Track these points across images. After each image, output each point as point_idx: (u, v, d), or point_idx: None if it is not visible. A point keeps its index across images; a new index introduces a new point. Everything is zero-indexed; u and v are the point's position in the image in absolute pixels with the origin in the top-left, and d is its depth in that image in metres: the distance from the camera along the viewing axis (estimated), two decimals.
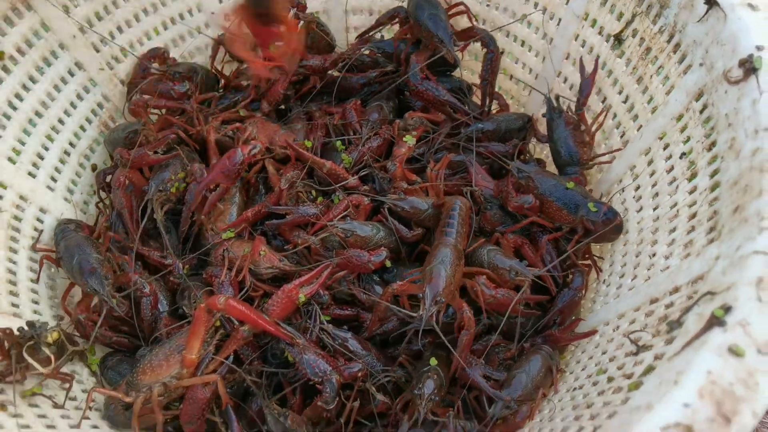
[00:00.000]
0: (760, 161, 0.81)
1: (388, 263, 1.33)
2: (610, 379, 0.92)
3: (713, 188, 0.95)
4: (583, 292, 1.26)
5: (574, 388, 1.04)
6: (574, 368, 1.13)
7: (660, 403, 0.66)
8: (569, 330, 1.20)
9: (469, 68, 1.68)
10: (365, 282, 1.33)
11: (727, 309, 0.72)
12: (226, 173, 1.31)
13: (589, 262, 1.31)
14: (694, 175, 1.03)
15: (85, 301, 1.27)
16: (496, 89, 1.63)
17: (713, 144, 0.98)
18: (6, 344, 0.97)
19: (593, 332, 1.15)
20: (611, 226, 1.22)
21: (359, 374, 1.18)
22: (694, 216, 0.99)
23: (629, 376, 0.86)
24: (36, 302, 1.22)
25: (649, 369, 0.81)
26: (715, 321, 0.72)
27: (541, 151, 1.62)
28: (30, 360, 0.95)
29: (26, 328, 1.00)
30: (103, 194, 1.47)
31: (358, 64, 1.60)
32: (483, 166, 1.46)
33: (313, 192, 1.42)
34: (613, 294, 1.17)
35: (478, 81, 1.55)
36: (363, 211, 1.38)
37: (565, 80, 1.47)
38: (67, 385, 1.08)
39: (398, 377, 1.22)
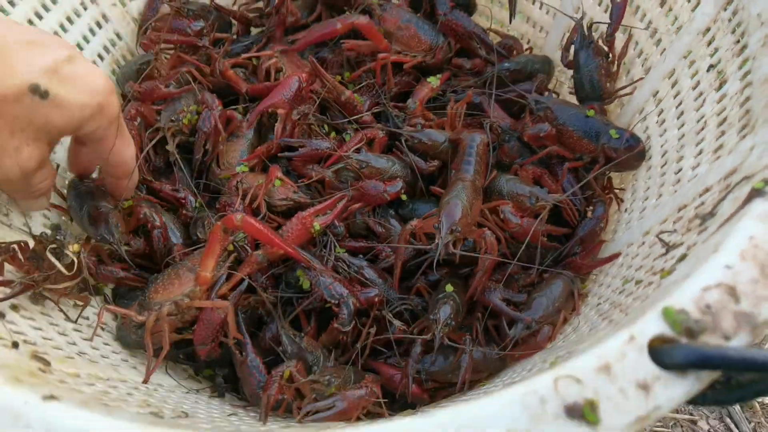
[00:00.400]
0: None
1: (404, 197, 1.31)
2: (638, 282, 0.89)
3: (744, 89, 0.92)
4: (605, 222, 1.23)
5: (598, 304, 1.01)
6: (597, 290, 1.10)
7: (699, 269, 0.63)
8: (591, 255, 1.17)
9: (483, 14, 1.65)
10: (381, 215, 1.31)
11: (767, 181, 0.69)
12: (288, 98, 1.30)
13: (610, 195, 1.28)
14: (723, 83, 1.00)
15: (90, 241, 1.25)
16: (512, 33, 1.61)
17: (744, 47, 0.95)
18: (21, 256, 0.94)
19: (616, 255, 1.12)
20: (634, 152, 1.19)
21: (376, 300, 1.15)
22: (723, 121, 0.95)
23: (659, 272, 0.82)
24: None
25: (683, 257, 0.78)
26: (755, 193, 0.69)
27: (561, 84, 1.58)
28: (53, 260, 0.92)
29: (48, 231, 0.97)
30: None
31: None
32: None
33: (326, 126, 1.39)
34: (637, 217, 1.14)
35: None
36: (377, 145, 1.36)
37: (583, 16, 1.44)
38: (81, 304, 1.05)
39: (415, 305, 1.20)
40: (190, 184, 1.33)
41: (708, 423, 1.65)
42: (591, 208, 1.26)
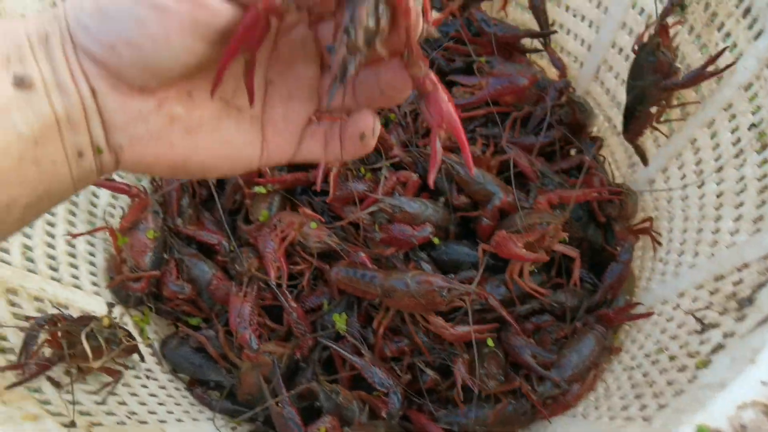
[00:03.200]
0: None
1: (436, 240, 1.32)
2: (672, 358, 0.89)
3: None
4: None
5: (632, 368, 1.01)
6: (630, 347, 1.10)
7: (735, 381, 0.63)
8: (625, 312, 1.16)
9: None
10: (413, 259, 1.32)
11: None
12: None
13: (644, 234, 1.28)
14: (764, 147, 0.97)
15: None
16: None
17: None
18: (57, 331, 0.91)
19: (649, 314, 1.11)
20: None
21: (406, 349, 1.18)
22: (765, 189, 0.94)
23: (694, 355, 0.82)
24: (94, 274, 1.25)
25: (719, 347, 0.77)
26: None
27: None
28: (86, 345, 0.90)
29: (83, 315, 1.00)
30: None
31: None
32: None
33: (362, 169, 1.41)
34: (671, 272, 1.13)
35: None
36: (411, 187, 1.37)
37: (620, 51, 1.41)
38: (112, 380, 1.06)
39: (447, 355, 1.22)
40: (225, 227, 1.36)
41: None
42: (618, 248, 1.26)
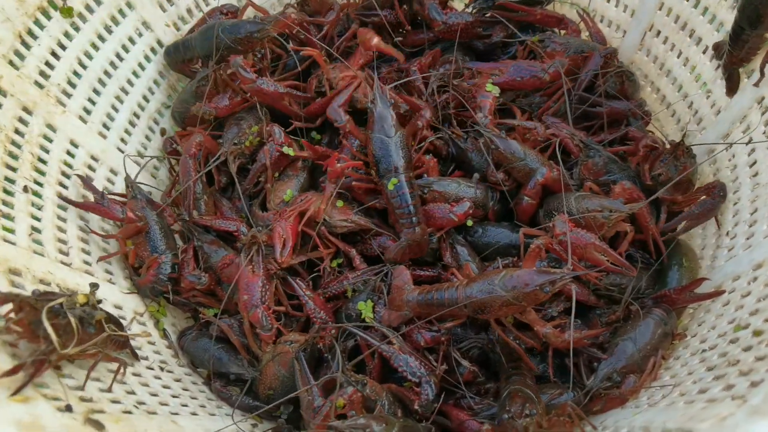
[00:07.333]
0: None
1: (470, 222, 1.21)
2: (757, 333, 0.75)
3: None
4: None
5: (703, 350, 0.88)
6: (698, 330, 0.97)
7: None
8: (688, 291, 1.03)
9: None
10: (449, 242, 1.21)
11: None
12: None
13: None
14: None
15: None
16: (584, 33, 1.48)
17: None
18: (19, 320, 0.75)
19: (719, 292, 0.98)
20: None
21: (442, 339, 1.07)
22: None
23: None
24: (109, 262, 1.18)
25: None
26: None
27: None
28: (45, 322, 0.73)
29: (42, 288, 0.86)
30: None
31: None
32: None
33: None
34: (742, 245, 1.00)
35: None
36: (432, 171, 1.26)
37: (669, 12, 1.29)
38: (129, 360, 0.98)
39: (485, 344, 1.10)
40: (246, 209, 1.28)
41: None
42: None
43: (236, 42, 1.28)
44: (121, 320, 1.05)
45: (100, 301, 0.89)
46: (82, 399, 0.78)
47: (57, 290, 0.98)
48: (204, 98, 1.34)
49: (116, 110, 1.32)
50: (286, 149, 1.26)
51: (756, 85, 1.02)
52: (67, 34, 1.19)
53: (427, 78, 1.37)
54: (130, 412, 0.83)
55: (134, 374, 0.97)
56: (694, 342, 0.95)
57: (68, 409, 0.71)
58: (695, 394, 0.74)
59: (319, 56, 1.31)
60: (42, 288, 0.94)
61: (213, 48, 1.28)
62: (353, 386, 0.97)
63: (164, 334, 1.18)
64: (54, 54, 1.17)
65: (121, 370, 0.90)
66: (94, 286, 0.84)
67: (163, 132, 1.45)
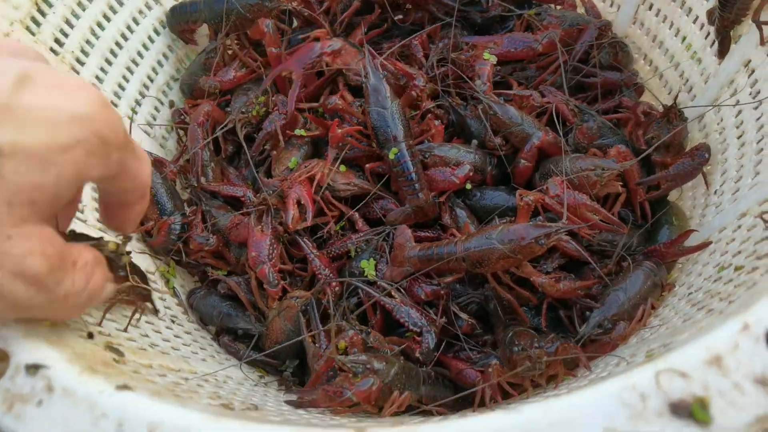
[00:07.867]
0: None
1: (468, 185, 1.26)
2: (738, 269, 0.80)
3: None
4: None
5: (689, 294, 0.92)
6: (686, 280, 1.01)
7: None
8: (678, 243, 1.07)
9: None
10: (449, 205, 1.26)
11: None
12: (300, 61, 1.28)
13: None
14: None
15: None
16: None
17: None
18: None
19: (707, 243, 1.02)
20: None
21: (442, 293, 1.11)
22: None
23: (765, 256, 0.74)
24: None
25: None
26: None
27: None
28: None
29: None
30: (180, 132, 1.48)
31: None
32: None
33: None
34: (729, 199, 1.04)
35: None
36: (437, 135, 1.31)
37: None
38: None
39: (482, 299, 1.15)
40: (255, 174, 1.33)
41: None
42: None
43: (247, 9, 1.32)
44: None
45: (129, 252, 0.94)
46: (101, 333, 0.82)
47: None
48: (212, 71, 1.39)
49: (127, 81, 1.36)
50: (298, 131, 1.31)
51: (762, 44, 1.06)
52: (80, 4, 1.24)
53: (427, 51, 1.42)
54: (144, 350, 0.88)
55: (147, 322, 1.02)
56: (682, 290, 0.99)
57: (90, 336, 0.75)
58: (680, 324, 0.79)
59: (324, 37, 1.36)
60: None
61: (223, 13, 1.32)
62: (355, 330, 1.02)
63: (174, 293, 1.23)
64: (68, 22, 1.22)
65: (136, 315, 0.95)
66: (127, 237, 0.89)
67: (171, 104, 1.50)
